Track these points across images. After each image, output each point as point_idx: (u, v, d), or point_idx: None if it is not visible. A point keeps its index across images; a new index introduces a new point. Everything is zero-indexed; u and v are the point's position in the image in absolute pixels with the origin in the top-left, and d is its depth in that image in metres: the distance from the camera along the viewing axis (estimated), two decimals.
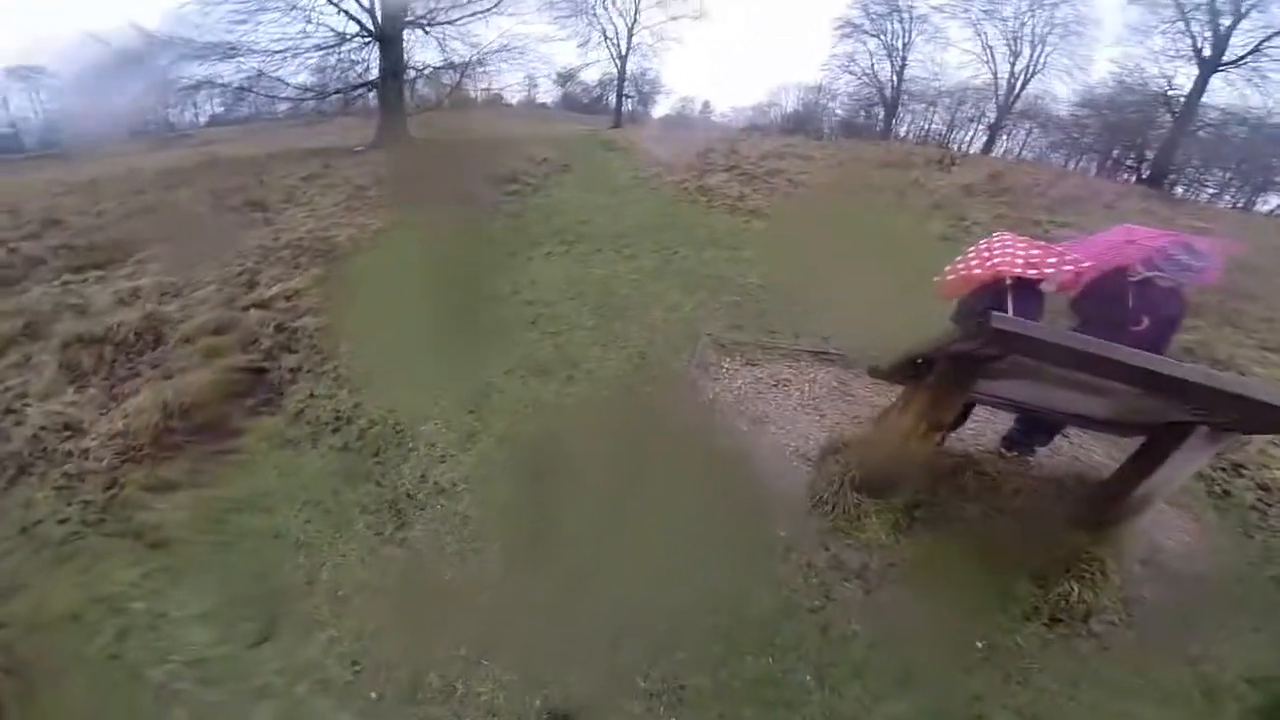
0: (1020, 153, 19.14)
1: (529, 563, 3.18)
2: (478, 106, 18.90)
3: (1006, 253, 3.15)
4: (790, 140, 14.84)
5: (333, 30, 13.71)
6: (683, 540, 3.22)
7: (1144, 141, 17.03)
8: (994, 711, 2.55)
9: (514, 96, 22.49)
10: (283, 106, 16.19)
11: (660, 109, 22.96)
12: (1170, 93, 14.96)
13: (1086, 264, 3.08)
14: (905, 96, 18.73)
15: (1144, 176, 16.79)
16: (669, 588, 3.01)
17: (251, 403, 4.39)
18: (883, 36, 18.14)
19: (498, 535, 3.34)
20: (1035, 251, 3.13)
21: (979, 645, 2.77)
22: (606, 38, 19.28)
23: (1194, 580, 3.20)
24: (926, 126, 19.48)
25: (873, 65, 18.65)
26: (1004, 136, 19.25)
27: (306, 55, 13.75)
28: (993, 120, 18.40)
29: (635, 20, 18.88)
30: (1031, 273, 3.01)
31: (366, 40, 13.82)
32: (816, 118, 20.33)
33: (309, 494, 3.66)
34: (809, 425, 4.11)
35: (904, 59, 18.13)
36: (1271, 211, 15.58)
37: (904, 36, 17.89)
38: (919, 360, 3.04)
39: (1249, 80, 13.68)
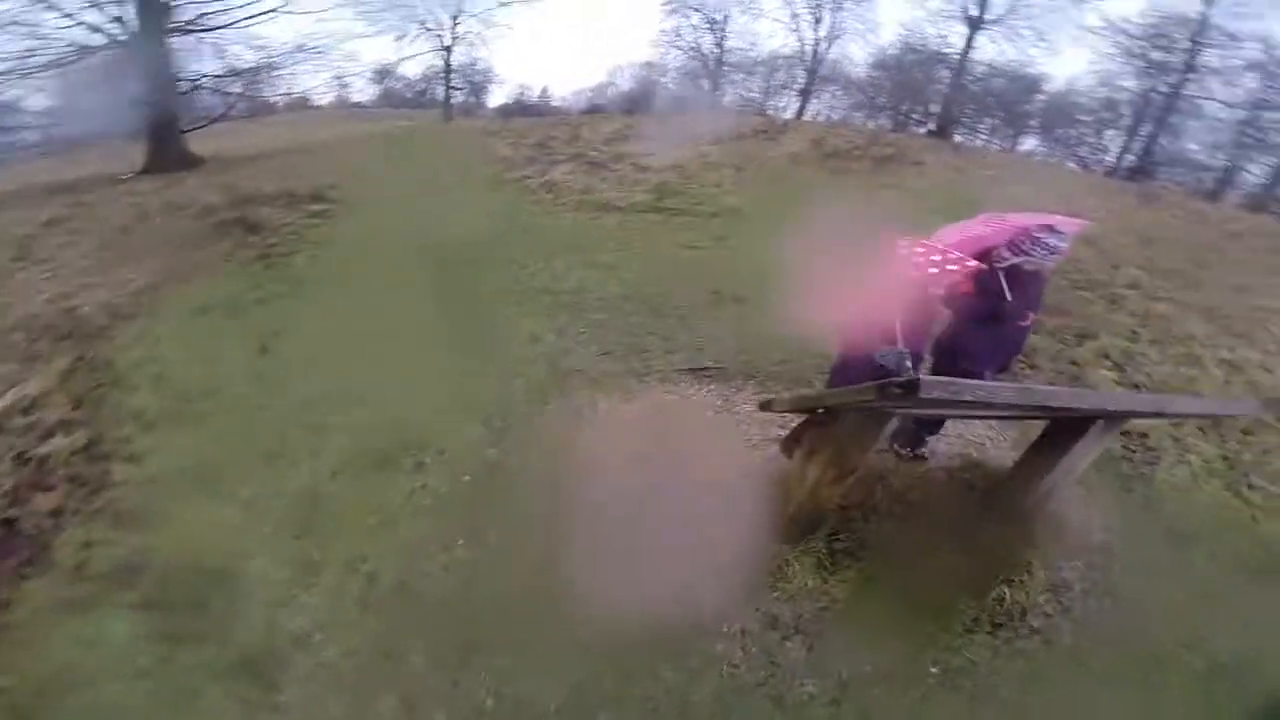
0: (828, 115, 20.05)
1: (439, 708, 2.44)
2: (278, 113, 16.06)
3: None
4: (630, 120, 14.16)
5: (72, 44, 10.61)
6: (606, 640, 2.60)
7: (927, 97, 18.50)
8: None
9: (324, 98, 19.53)
10: (30, 135, 12.50)
11: (496, 99, 21.16)
12: (945, 51, 16.26)
13: (972, 263, 2.76)
14: (726, 68, 18.80)
15: (932, 130, 18.32)
16: (605, 705, 2.45)
17: (12, 563, 3.12)
18: (704, 9, 17.93)
19: (389, 685, 2.52)
20: (918, 249, 2.76)
21: (933, 670, 2.57)
22: (428, 29, 17.16)
23: (1101, 551, 3.10)
24: (748, 95, 19.77)
25: (696, 39, 18.46)
26: (813, 100, 20.02)
27: (39, 75, 10.56)
28: (802, 85, 19.02)
29: (460, 9, 16.91)
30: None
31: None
32: (652, 94, 19.86)
33: (128, 665, 2.69)
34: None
35: (723, 31, 18.11)
36: (1030, 152, 17.69)
37: (722, 9, 17.80)
38: (821, 410, 2.59)
39: (1006, 37, 15.21)
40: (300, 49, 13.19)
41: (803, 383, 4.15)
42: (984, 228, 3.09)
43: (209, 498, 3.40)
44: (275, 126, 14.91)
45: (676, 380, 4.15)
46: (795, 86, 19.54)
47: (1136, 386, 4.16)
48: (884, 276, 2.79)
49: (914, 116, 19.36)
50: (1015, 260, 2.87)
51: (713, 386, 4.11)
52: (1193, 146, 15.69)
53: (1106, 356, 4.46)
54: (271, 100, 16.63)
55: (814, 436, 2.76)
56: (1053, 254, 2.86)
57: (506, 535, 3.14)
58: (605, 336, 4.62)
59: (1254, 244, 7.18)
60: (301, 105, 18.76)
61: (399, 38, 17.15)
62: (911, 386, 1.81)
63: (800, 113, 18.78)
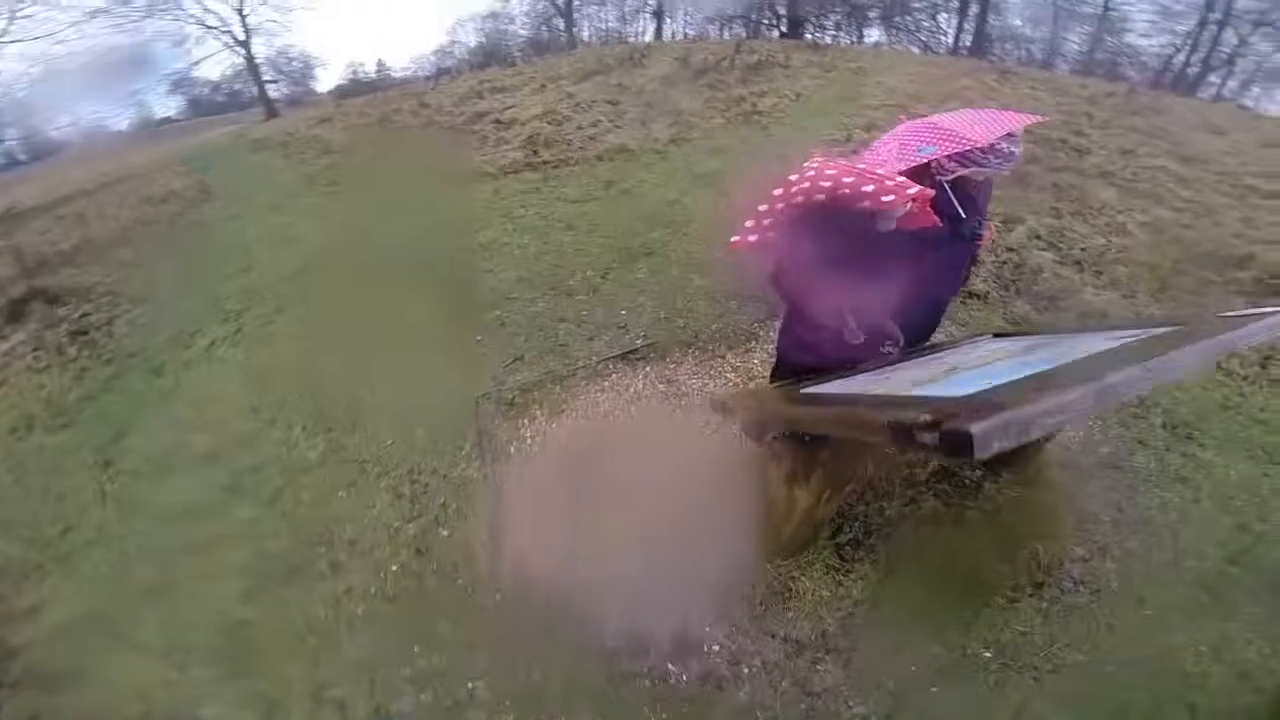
0: (684, 32, 18.85)
1: None
2: (69, 148, 12.70)
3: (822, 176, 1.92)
4: (484, 75, 12.38)
5: None
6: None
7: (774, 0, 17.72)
8: (1049, 715, 1.99)
9: (121, 121, 15.78)
10: None
11: (327, 83, 18.04)
12: None
13: (914, 188, 2.01)
14: (578, 1, 16.93)
15: (784, 32, 17.64)
16: None
17: None
18: None
19: None
20: (847, 178, 1.96)
21: (987, 654, 2.14)
22: (209, 28, 14.01)
23: (1112, 467, 2.63)
24: (604, 26, 18.05)
25: None
26: (668, 20, 18.74)
27: None
28: (655, 7, 17.62)
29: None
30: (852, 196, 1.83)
31: None
32: (503, 45, 17.64)
33: None
34: None
35: None
36: (877, 43, 17.43)
37: None
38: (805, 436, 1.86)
39: None
40: (43, 80, 10.38)
41: (748, 339, 3.40)
42: (919, 139, 2.39)
43: (123, 646, 2.54)
44: (67, 164, 11.74)
45: (606, 372, 3.24)
46: (648, 9, 18.14)
47: (1079, 265, 3.76)
48: (815, 213, 1.99)
49: (765, 21, 18.62)
50: (964, 172, 2.21)
51: (649, 369, 3.25)
52: (1017, 21, 16.03)
53: (1039, 237, 4.02)
54: (52, 134, 13.18)
55: (797, 458, 2.04)
56: (1009, 161, 2.22)
57: (462, 627, 2.35)
58: (510, 338, 3.57)
59: (1112, 105, 7.09)
60: (94, 136, 15.07)
61: (177, 44, 14.01)
62: (960, 442, 0.99)
63: (658, 34, 17.52)
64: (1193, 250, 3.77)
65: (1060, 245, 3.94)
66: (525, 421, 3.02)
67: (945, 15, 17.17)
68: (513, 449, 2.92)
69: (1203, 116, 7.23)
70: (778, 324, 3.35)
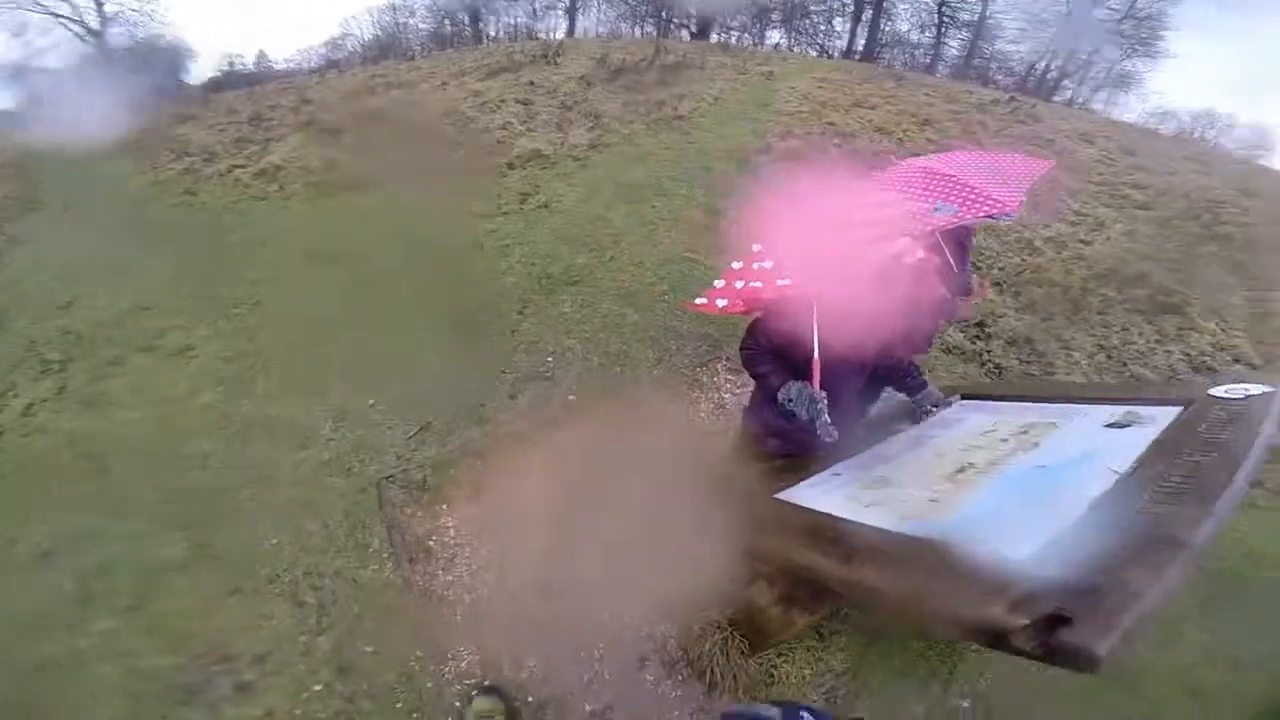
0: (597, 29, 18.11)
1: None
2: None
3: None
4: (378, 70, 11.03)
5: None
6: None
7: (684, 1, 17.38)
8: None
9: None
10: None
11: (198, 76, 15.58)
12: None
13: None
14: None
15: (693, 32, 17.38)
16: None
17: None
18: None
19: None
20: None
21: (965, 705, 2.11)
22: (59, 17, 11.65)
23: None
24: (514, 21, 16.85)
25: None
26: (580, 16, 17.90)
27: None
28: (568, 3, 16.70)
29: None
30: None
31: None
32: (402, 38, 15.98)
33: None
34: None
35: None
36: (777, 45, 17.57)
37: None
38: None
39: None
40: None
41: (691, 385, 2.99)
42: (931, 194, 2.12)
43: None
44: None
45: (526, 439, 2.71)
46: (561, 5, 17.12)
47: (999, 286, 3.68)
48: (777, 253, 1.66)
49: (675, 20, 18.26)
50: (971, 221, 2.08)
51: (578, 433, 2.75)
52: (904, 27, 16.72)
53: None
54: None
55: (794, 585, 1.67)
56: (1018, 210, 2.16)
57: None
58: (411, 401, 2.87)
59: (999, 114, 7.33)
60: None
61: (16, 33, 11.57)
62: (1083, 659, 0.88)
63: (570, 30, 16.61)
64: (1095, 268, 3.81)
65: (980, 264, 3.86)
66: (443, 508, 2.43)
67: (840, 20, 17.71)
68: (432, 543, 2.34)
69: (1072, 124, 7.66)
70: (720, 365, 3.00)
